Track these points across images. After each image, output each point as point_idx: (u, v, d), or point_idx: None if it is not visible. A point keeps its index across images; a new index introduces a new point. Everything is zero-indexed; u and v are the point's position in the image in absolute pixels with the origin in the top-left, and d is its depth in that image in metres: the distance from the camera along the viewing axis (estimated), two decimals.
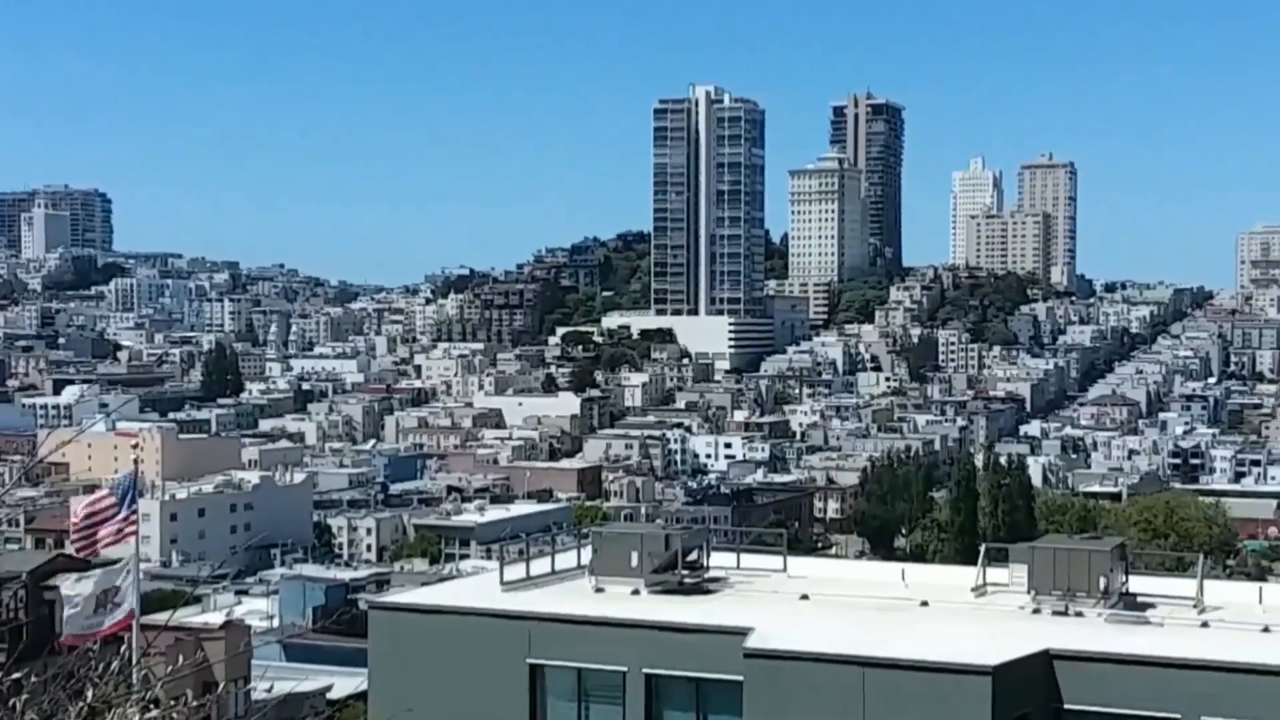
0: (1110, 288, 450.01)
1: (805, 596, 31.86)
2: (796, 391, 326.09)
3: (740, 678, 27.04)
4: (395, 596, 40.48)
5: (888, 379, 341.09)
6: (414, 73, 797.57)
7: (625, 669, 28.55)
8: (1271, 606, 30.23)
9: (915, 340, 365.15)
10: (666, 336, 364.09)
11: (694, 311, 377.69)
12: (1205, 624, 28.96)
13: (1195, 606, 30.15)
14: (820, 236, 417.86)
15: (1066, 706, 26.30)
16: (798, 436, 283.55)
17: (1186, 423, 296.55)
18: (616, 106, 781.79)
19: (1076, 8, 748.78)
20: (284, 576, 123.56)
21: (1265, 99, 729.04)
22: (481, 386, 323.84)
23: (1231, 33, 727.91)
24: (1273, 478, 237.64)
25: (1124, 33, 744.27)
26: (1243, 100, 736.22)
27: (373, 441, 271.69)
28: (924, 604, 31.19)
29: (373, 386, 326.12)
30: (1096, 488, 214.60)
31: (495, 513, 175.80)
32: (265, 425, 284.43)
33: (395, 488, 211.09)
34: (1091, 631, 28.45)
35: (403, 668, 30.55)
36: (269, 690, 45.27)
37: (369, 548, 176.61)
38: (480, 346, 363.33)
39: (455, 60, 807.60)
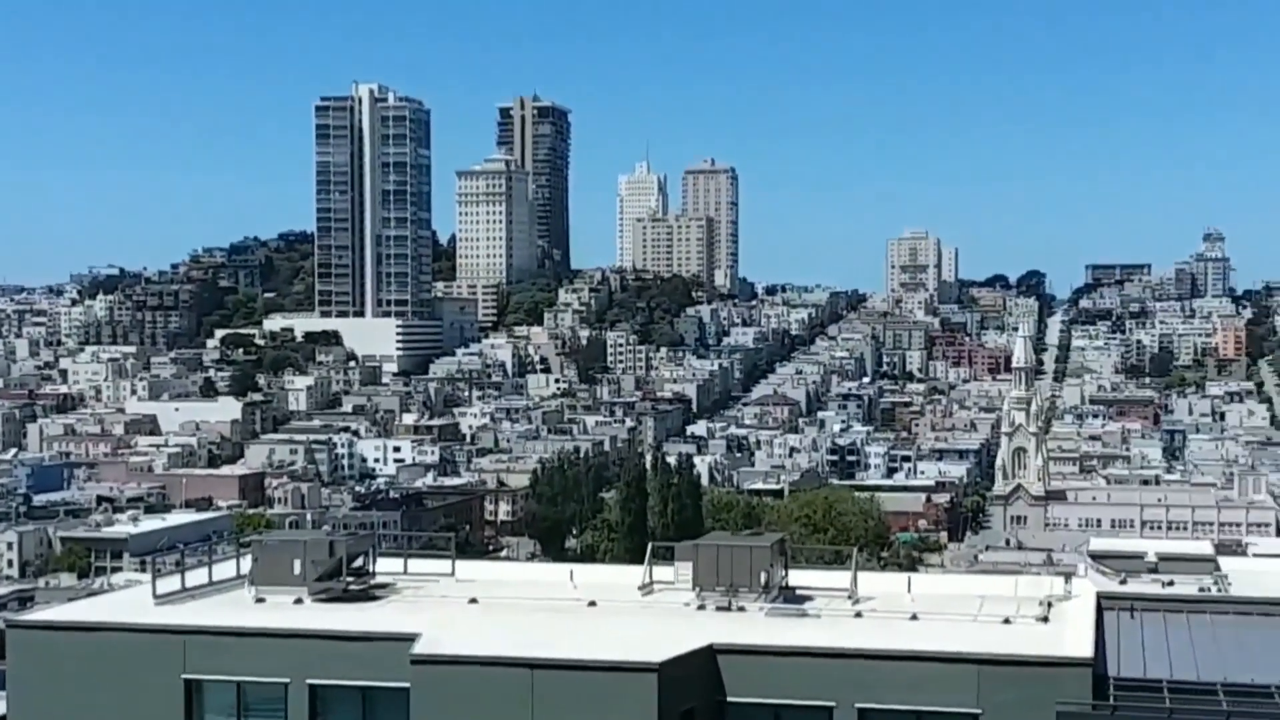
0: (771, 290, 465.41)
1: (474, 600, 31.63)
2: (466, 394, 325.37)
3: (407, 684, 26.62)
4: (38, 614, 38.03)
5: (557, 381, 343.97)
6: (61, 57, 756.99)
7: (287, 680, 27.81)
8: (920, 595, 31.59)
9: (584, 342, 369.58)
10: (332, 339, 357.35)
11: (360, 313, 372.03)
12: (859, 614, 30.07)
13: (850, 598, 31.27)
14: (488, 238, 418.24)
15: (730, 699, 26.83)
16: (468, 439, 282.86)
17: (843, 421, 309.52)
18: (277, 102, 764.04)
19: (738, 17, 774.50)
20: None
21: (912, 111, 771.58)
22: (134, 391, 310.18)
23: (881, 45, 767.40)
24: (922, 473, 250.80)
25: (784, 42, 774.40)
26: (892, 111, 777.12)
27: (14, 451, 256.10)
28: (592, 604, 31.38)
29: (13, 392, 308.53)
30: (760, 485, 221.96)
31: (150, 523, 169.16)
32: None
33: (39, 499, 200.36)
34: (753, 625, 29.16)
35: (46, 689, 28.79)
36: None
37: (10, 563, 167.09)
38: (132, 350, 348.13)
39: (106, 46, 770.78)
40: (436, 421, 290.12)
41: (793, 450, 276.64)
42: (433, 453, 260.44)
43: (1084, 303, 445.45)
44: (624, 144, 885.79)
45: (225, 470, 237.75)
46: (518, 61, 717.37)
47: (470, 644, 27.38)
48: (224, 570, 34.07)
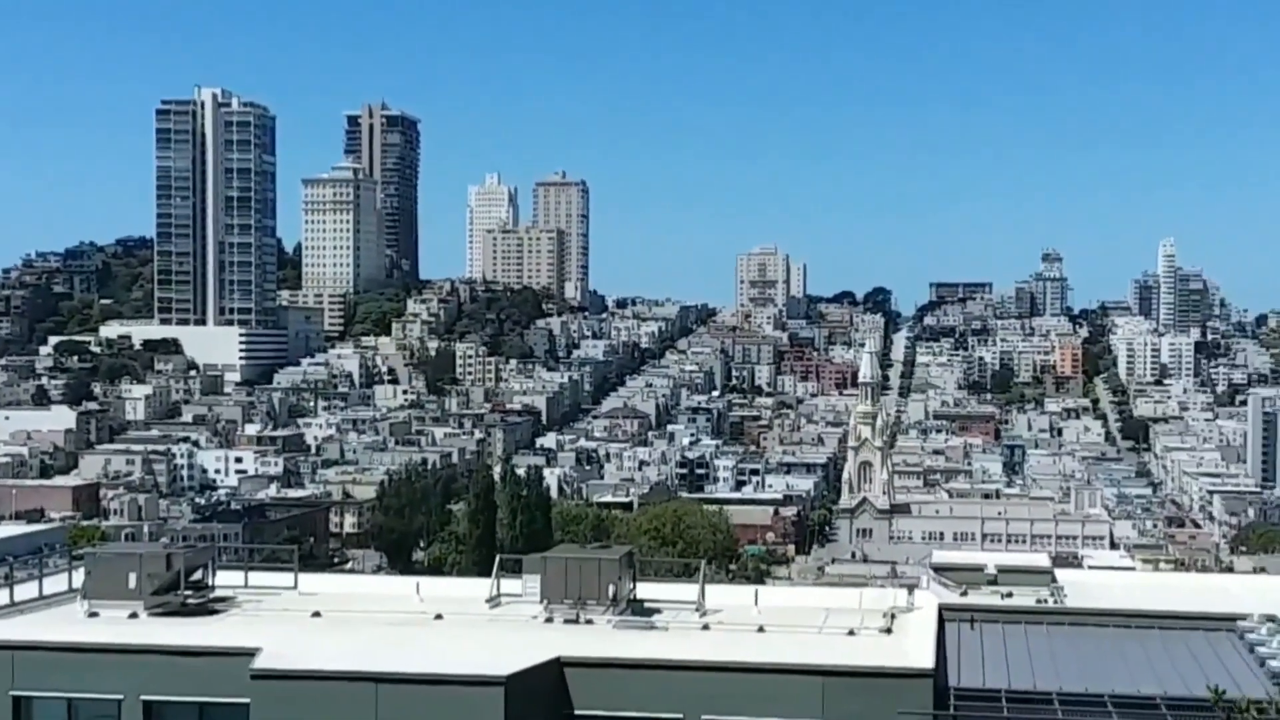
0: (622, 303, 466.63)
1: (317, 614, 31.11)
2: (312, 404, 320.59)
3: (247, 700, 26.10)
4: None
5: (405, 392, 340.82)
6: None
7: (121, 697, 27.15)
8: (766, 608, 31.81)
9: (433, 353, 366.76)
10: (172, 347, 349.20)
11: (202, 321, 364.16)
12: (706, 627, 30.19)
13: (697, 610, 31.40)
14: (335, 247, 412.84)
15: (577, 712, 26.77)
16: (313, 450, 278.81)
17: (692, 434, 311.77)
18: (117, 105, 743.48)
19: (590, 31, 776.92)
20: None
21: (763, 128, 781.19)
22: None
23: (732, 63, 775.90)
24: (770, 486, 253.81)
25: (637, 57, 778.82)
26: (744, 127, 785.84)
27: None
28: (439, 617, 31.08)
29: None
30: (610, 498, 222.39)
31: None
32: None
33: None
34: (601, 638, 29.11)
35: None
36: None
37: None
38: None
39: None
40: (280, 432, 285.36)
41: (642, 463, 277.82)
42: (276, 464, 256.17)
43: (928, 320, 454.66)
44: (474, 155, 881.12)
45: (58, 481, 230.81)
46: (367, 70, 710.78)
47: (312, 658, 26.88)
48: (55, 584, 33.16)
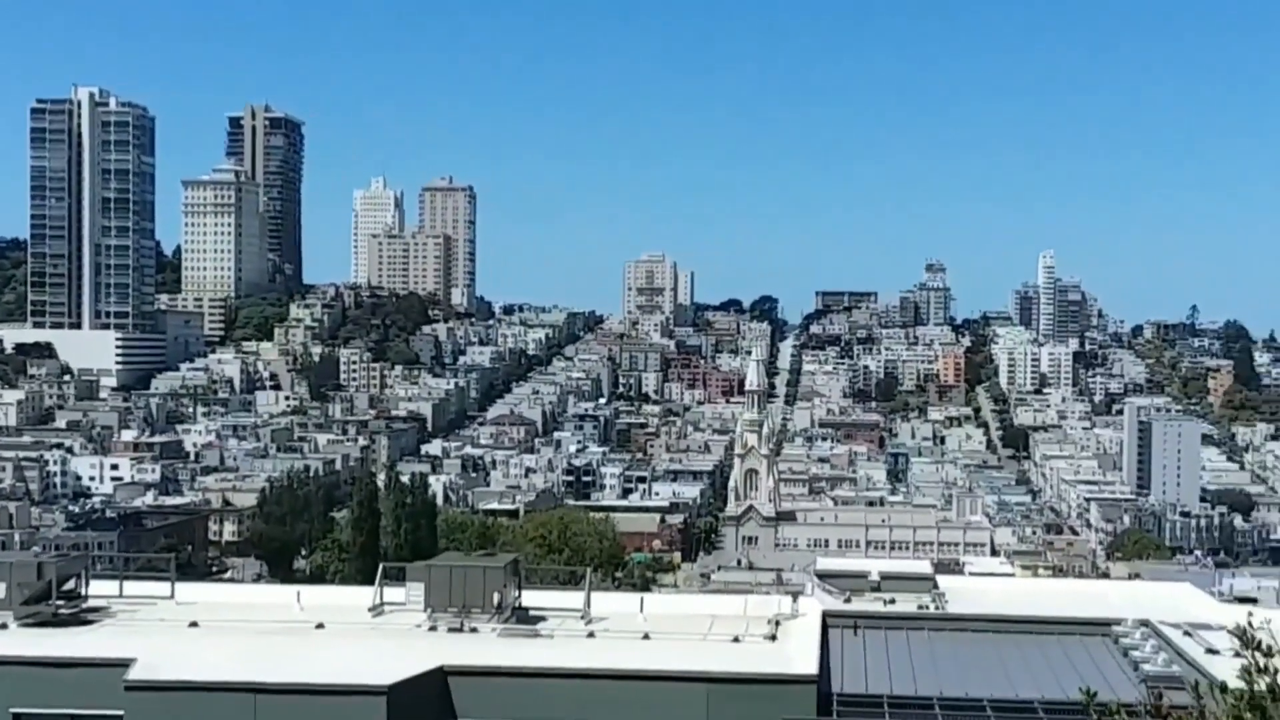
0: (509, 310, 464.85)
1: (194, 624, 30.52)
2: (191, 410, 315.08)
3: (121, 712, 25.58)
4: None
5: (288, 398, 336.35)
6: None
7: None
8: (652, 615, 31.82)
9: (316, 359, 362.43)
10: (45, 351, 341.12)
11: (77, 325, 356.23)
12: (592, 634, 30.13)
13: (583, 618, 31.32)
14: (216, 250, 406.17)
15: None
16: (192, 457, 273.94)
17: (579, 441, 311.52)
18: None
19: (474, 36, 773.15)
20: None
21: (650, 136, 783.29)
22: None
23: (619, 71, 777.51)
24: (657, 494, 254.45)
25: (525, 63, 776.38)
26: (631, 135, 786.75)
27: None
28: (320, 626, 30.67)
29: None
30: (496, 505, 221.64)
31: None
32: None
33: None
34: (485, 646, 28.93)
35: None
36: None
37: None
38: None
39: None
40: (158, 439, 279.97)
41: (529, 470, 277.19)
42: (154, 471, 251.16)
43: (814, 328, 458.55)
44: (360, 159, 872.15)
45: None
46: (251, 71, 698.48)
47: (189, 669, 26.38)
48: None
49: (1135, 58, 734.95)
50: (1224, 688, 9.39)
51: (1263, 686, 9.22)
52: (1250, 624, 9.55)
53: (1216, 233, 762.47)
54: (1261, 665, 9.23)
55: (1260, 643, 9.27)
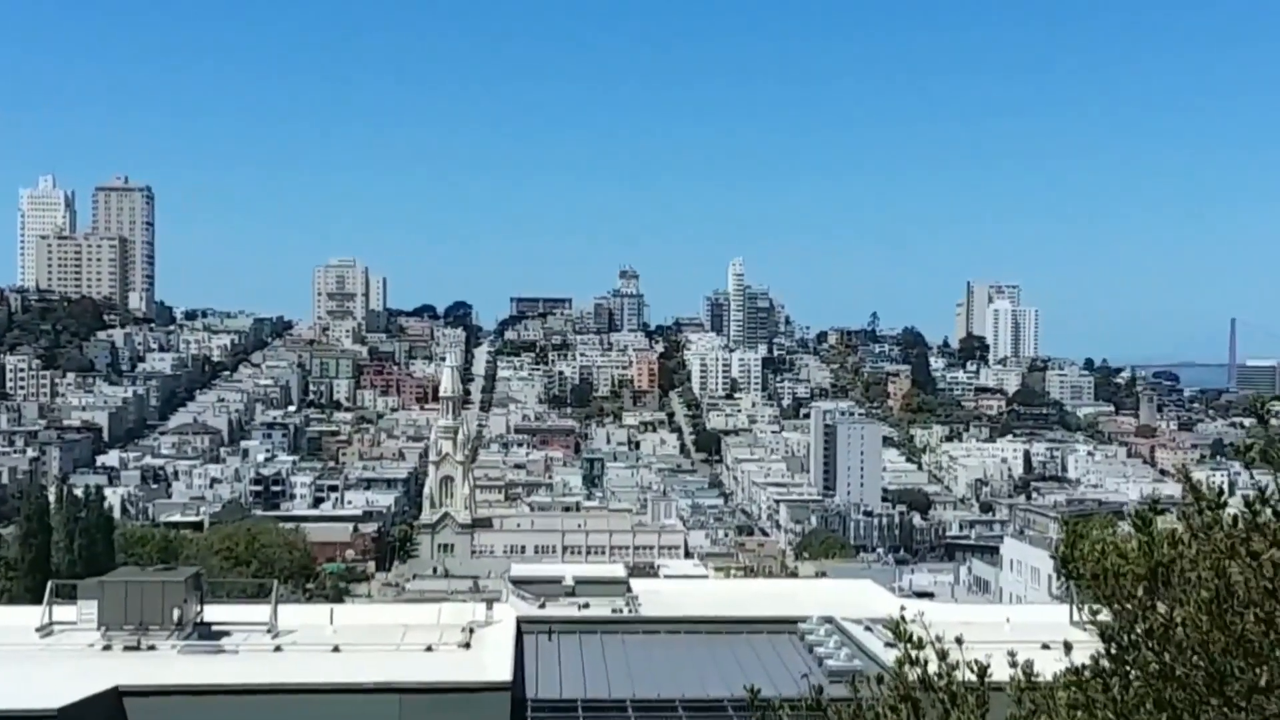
0: (191, 315, 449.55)
1: None
2: None
3: None
4: None
5: None
6: None
7: None
8: (343, 626, 31.09)
9: None
10: None
11: None
12: (279, 648, 29.20)
13: (270, 631, 30.35)
14: None
15: None
16: None
17: (268, 450, 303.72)
18: None
19: (153, 35, 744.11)
20: None
21: (338, 143, 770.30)
22: None
23: (298, 83, 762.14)
24: (350, 502, 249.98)
25: (200, 63, 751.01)
26: (319, 141, 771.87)
27: None
28: None
29: None
30: (179, 517, 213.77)
31: None
32: None
33: None
34: (164, 664, 27.71)
35: None
36: None
37: None
38: None
39: None
40: None
41: (214, 481, 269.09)
42: None
43: (509, 334, 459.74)
44: (27, 157, 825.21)
45: None
46: None
47: None
48: None
49: (794, 63, 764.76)
50: (880, 679, 9.74)
51: (914, 678, 9.60)
52: (903, 617, 9.97)
53: (895, 241, 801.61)
54: (914, 657, 9.61)
55: (912, 635, 9.65)
